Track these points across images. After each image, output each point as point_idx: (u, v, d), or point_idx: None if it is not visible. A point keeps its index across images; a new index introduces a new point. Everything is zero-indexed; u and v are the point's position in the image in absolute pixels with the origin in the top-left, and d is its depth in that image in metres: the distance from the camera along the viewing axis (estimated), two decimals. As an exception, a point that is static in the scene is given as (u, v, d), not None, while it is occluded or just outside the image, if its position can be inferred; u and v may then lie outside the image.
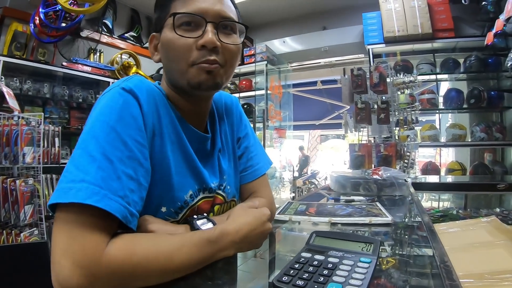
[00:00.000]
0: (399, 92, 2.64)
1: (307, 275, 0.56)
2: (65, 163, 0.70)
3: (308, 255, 0.64)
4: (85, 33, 4.68)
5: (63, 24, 4.10)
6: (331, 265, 0.59)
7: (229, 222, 0.78)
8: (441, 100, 4.40)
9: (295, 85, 7.55)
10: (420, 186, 2.40)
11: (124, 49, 5.30)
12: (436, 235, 0.89)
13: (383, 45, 4.49)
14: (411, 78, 2.53)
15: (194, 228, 0.78)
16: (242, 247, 0.77)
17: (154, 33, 0.92)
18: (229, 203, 1.04)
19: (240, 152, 1.13)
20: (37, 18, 3.92)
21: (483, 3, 3.47)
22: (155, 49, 0.93)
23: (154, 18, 0.94)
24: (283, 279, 0.56)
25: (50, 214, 3.17)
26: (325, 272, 0.57)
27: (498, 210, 2.52)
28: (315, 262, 0.61)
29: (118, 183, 0.66)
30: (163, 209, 0.83)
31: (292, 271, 0.58)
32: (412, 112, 2.60)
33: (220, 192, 1.00)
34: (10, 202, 2.87)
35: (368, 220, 1.06)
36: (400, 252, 0.85)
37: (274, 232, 1.08)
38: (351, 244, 0.67)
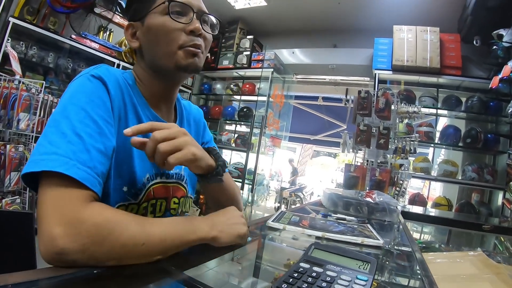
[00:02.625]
0: (398, 120, 2.67)
1: (306, 285, 0.57)
2: None
3: (307, 266, 0.64)
4: (98, 9, 4.66)
5: (79, -3, 4.08)
6: (330, 278, 0.60)
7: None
8: (437, 134, 4.44)
9: (297, 97, 7.59)
10: (407, 215, 2.42)
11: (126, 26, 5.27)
12: (425, 264, 0.90)
13: (390, 72, 4.55)
14: (415, 109, 2.56)
15: (214, 152, 0.98)
16: (218, 228, 0.82)
17: (131, 22, 1.02)
18: (189, 198, 1.12)
19: None
20: (54, -14, 3.90)
21: (494, 47, 3.52)
22: (132, 37, 1.02)
23: (132, 9, 1.02)
24: (282, 286, 0.56)
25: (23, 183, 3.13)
26: (324, 284, 0.57)
27: (479, 250, 2.53)
28: (314, 274, 0.61)
29: (87, 155, 0.73)
30: (125, 189, 0.89)
31: (291, 280, 0.58)
32: (412, 142, 2.62)
33: (182, 183, 1.07)
34: (-3, 166, 2.84)
35: (360, 240, 1.06)
36: (389, 279, 0.86)
37: (265, 237, 1.08)
38: (349, 260, 0.67)
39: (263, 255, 1.03)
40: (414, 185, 6.10)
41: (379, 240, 1.08)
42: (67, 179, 0.68)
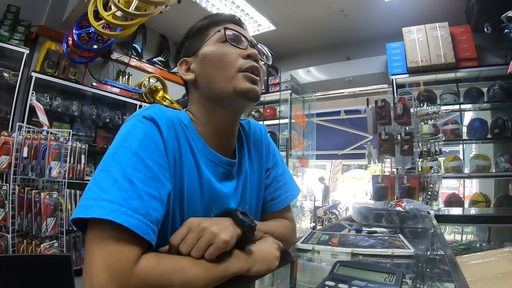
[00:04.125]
0: (422, 123, 2.63)
1: (332, 303, 0.57)
2: (89, 180, 0.75)
3: (332, 283, 0.65)
4: (115, 55, 4.86)
5: (95, 46, 4.28)
6: (355, 294, 0.60)
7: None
8: (465, 130, 4.32)
9: (318, 115, 7.54)
10: (443, 219, 2.36)
11: (152, 73, 5.46)
12: (458, 268, 0.89)
13: (407, 75, 4.49)
14: (435, 109, 2.53)
15: (237, 218, 0.82)
16: (252, 262, 0.82)
17: (185, 58, 1.01)
18: None
19: (269, 182, 1.15)
20: (70, 39, 4.11)
21: (506, 31, 3.43)
22: (187, 71, 1.01)
23: (186, 45, 1.03)
24: (308, 305, 0.57)
25: (71, 228, 3.24)
26: (349, 301, 0.58)
27: None
28: (339, 291, 0.62)
29: (139, 202, 0.70)
30: None
31: (316, 299, 0.59)
32: (436, 143, 2.58)
33: None
34: (33, 213, 2.94)
35: (390, 252, 1.05)
36: (422, 286, 0.85)
37: (294, 260, 1.08)
38: (374, 274, 0.67)
39: (301, 277, 1.02)
40: (449, 185, 5.94)
41: (410, 249, 1.06)
42: (117, 227, 0.66)
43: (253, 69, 0.94)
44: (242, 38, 0.97)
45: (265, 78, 5.53)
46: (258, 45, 1.03)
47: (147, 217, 0.71)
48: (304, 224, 6.84)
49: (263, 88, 5.16)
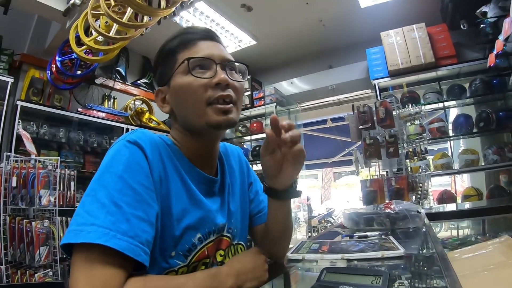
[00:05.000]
0: (408, 124, 2.66)
1: (319, 310, 0.58)
2: None
3: (320, 290, 0.66)
4: (99, 80, 4.85)
5: (79, 72, 4.27)
6: (342, 299, 0.61)
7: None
8: (451, 127, 4.38)
9: (305, 125, 7.57)
10: (435, 216, 2.37)
11: (137, 95, 5.47)
12: (449, 263, 0.90)
13: (389, 78, 4.55)
14: (417, 110, 2.56)
15: None
16: (241, 278, 0.85)
17: (160, 88, 1.01)
18: (235, 246, 1.07)
19: (253, 196, 1.20)
20: (54, 66, 4.10)
21: (481, 26, 3.49)
22: (163, 102, 1.01)
23: (158, 74, 1.02)
24: (295, 314, 0.58)
25: (65, 256, 3.20)
26: (336, 306, 0.59)
27: (506, 235, 2.42)
28: (326, 297, 0.63)
29: (127, 225, 0.72)
30: (173, 254, 0.86)
31: (304, 306, 0.60)
32: (421, 143, 2.61)
33: (227, 234, 1.03)
34: (25, 243, 2.91)
35: (380, 254, 1.06)
36: (417, 285, 0.86)
37: (288, 271, 1.09)
38: (361, 278, 0.69)
39: (296, 286, 1.03)
40: (442, 182, 5.98)
41: (399, 250, 1.08)
42: (105, 251, 0.67)
43: (223, 98, 0.92)
44: (210, 63, 0.94)
45: (245, 93, 5.55)
46: (230, 63, 0.98)
47: (137, 239, 0.72)
48: (300, 235, 6.82)
49: (247, 103, 5.18)
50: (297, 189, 1.02)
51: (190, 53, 0.94)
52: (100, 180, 0.77)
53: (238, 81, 0.98)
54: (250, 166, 1.28)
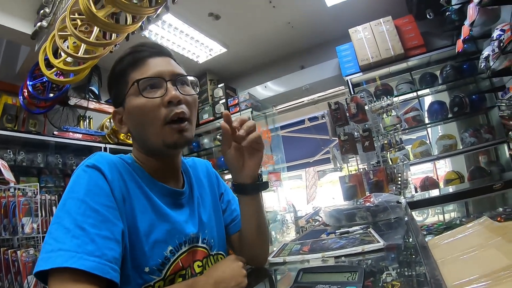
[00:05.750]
0: (384, 116, 2.70)
1: (296, 311, 0.60)
2: None
3: (296, 292, 0.67)
4: (73, 101, 4.77)
5: (51, 95, 4.20)
6: (318, 298, 0.63)
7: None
8: (426, 115, 4.45)
9: (283, 127, 7.55)
10: (417, 204, 2.40)
11: (112, 113, 5.36)
12: (428, 251, 0.92)
13: (360, 73, 4.60)
14: (388, 102, 2.60)
15: None
16: (220, 287, 0.86)
17: (115, 109, 1.03)
18: (215, 256, 1.08)
19: (225, 206, 1.22)
20: (25, 90, 4.02)
21: (447, 13, 3.56)
22: (120, 123, 1.03)
23: (113, 95, 1.04)
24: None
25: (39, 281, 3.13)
26: (313, 306, 0.60)
27: (501, 209, 2.42)
28: (303, 299, 0.64)
29: (93, 245, 0.74)
30: (146, 269, 0.87)
31: (281, 310, 0.61)
32: (395, 134, 2.65)
33: (202, 245, 1.04)
34: (12, 273, 2.84)
35: (360, 249, 1.08)
36: (399, 275, 0.87)
37: (271, 275, 1.10)
38: (337, 275, 0.70)
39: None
40: (424, 169, 6.06)
41: (380, 242, 1.10)
42: (76, 273, 0.69)
43: (178, 115, 0.94)
44: (160, 82, 0.95)
45: (220, 102, 5.64)
46: (182, 78, 1.00)
47: (104, 258, 0.74)
48: (289, 237, 6.82)
49: (222, 111, 5.16)
50: (264, 181, 1.06)
51: (140, 73, 0.95)
52: (63, 207, 0.79)
53: (190, 94, 1.00)
54: (221, 177, 1.31)
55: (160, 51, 1.01)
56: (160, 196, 0.97)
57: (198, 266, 1.01)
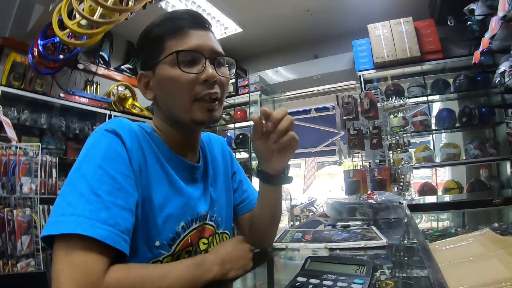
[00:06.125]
0: (392, 116, 2.69)
1: (303, 298, 0.59)
2: None
3: (303, 279, 0.66)
4: (82, 65, 4.75)
5: (61, 56, 4.18)
6: (326, 287, 0.62)
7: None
8: (433, 120, 4.45)
9: (289, 114, 7.57)
10: (416, 208, 2.41)
11: (120, 81, 5.39)
12: (430, 254, 0.91)
13: (374, 70, 4.59)
14: (401, 102, 2.59)
15: None
16: (226, 267, 0.85)
17: (143, 72, 0.97)
18: (220, 235, 1.07)
19: (236, 185, 1.20)
20: (36, 50, 4.00)
21: (468, 23, 3.53)
22: (146, 87, 0.97)
23: (142, 56, 0.98)
24: (279, 302, 0.58)
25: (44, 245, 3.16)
26: (320, 295, 0.59)
27: (496, 225, 2.46)
28: (310, 286, 0.63)
29: (107, 213, 0.71)
30: (157, 243, 0.86)
31: (288, 295, 0.60)
32: (404, 135, 2.64)
33: (210, 222, 1.03)
34: (7, 232, 2.85)
35: (363, 244, 1.08)
36: (399, 274, 0.87)
37: (272, 259, 1.10)
38: (345, 267, 0.69)
39: (279, 275, 1.04)
40: (423, 175, 6.06)
41: (382, 240, 1.09)
42: (86, 241, 0.66)
43: (210, 95, 0.91)
44: (199, 57, 0.91)
45: (229, 86, 5.53)
46: (221, 58, 0.96)
47: (117, 227, 0.71)
48: (282, 224, 6.87)
49: (231, 91, 5.14)
50: (289, 175, 1.04)
51: (179, 42, 0.90)
52: (78, 170, 0.76)
53: (226, 76, 0.96)
54: (234, 155, 1.29)
55: (202, 23, 0.95)
56: (176, 170, 0.95)
57: (204, 244, 1.00)
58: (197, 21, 0.94)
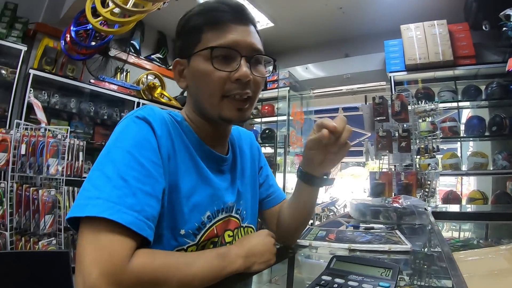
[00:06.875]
0: (420, 120, 2.64)
1: (328, 297, 0.57)
2: (87, 177, 0.76)
3: (329, 278, 0.65)
4: (113, 52, 4.84)
5: (93, 43, 4.26)
6: (351, 288, 0.60)
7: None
8: (462, 127, 4.34)
9: (316, 112, 7.47)
10: (440, 215, 2.36)
11: (150, 70, 5.46)
12: (455, 264, 0.89)
13: (405, 72, 4.49)
14: (432, 106, 2.53)
15: None
16: (250, 260, 0.85)
17: (179, 59, 0.96)
18: (245, 228, 1.07)
19: (262, 180, 1.20)
20: (68, 36, 4.10)
21: (504, 29, 3.43)
22: (180, 75, 0.97)
23: (179, 44, 0.96)
24: (304, 300, 0.57)
25: (69, 226, 3.21)
26: (345, 295, 0.58)
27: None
28: (335, 285, 0.62)
29: (134, 199, 0.71)
30: (182, 232, 0.85)
31: (312, 293, 0.59)
32: (433, 140, 2.59)
33: (235, 215, 1.02)
34: (31, 211, 2.94)
35: (387, 248, 1.06)
36: (419, 283, 0.85)
37: (292, 256, 1.09)
38: (371, 269, 0.68)
39: (299, 273, 1.03)
40: (447, 182, 5.94)
41: (406, 245, 1.07)
42: (112, 225, 0.66)
43: (241, 95, 0.89)
44: (235, 54, 0.88)
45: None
46: (258, 56, 0.93)
47: (142, 214, 0.71)
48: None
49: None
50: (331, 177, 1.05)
51: (217, 35, 0.87)
52: (108, 155, 0.76)
53: (261, 76, 0.93)
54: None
55: (243, 17, 0.91)
56: (205, 160, 0.94)
57: (229, 236, 0.99)
58: (238, 15, 0.90)
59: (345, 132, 0.89)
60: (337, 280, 0.64)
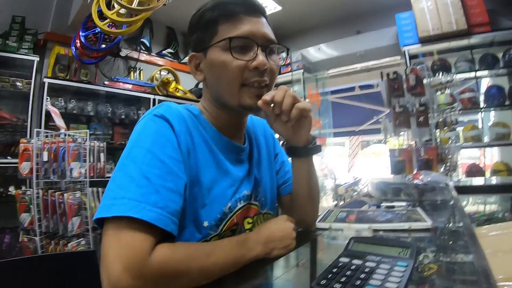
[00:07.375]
0: (439, 93, 2.58)
1: (345, 278, 0.58)
2: (110, 177, 0.79)
3: (346, 259, 0.65)
4: (124, 52, 4.88)
5: (103, 45, 4.29)
6: (368, 269, 0.61)
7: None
8: (482, 98, 4.20)
9: (333, 92, 7.39)
10: (463, 190, 2.30)
11: (162, 65, 5.49)
12: (476, 239, 0.87)
13: (419, 45, 4.36)
14: (448, 78, 2.47)
15: None
16: (269, 246, 0.87)
17: (194, 53, 0.99)
18: (264, 215, 1.08)
19: (279, 166, 1.22)
20: (78, 41, 4.14)
21: None
22: (196, 68, 1.00)
23: (194, 38, 0.99)
24: (321, 282, 0.57)
25: (96, 225, 3.27)
26: (362, 275, 0.58)
27: None
28: (353, 267, 0.62)
29: (157, 196, 0.74)
30: (205, 224, 0.88)
31: (330, 275, 0.59)
32: (452, 113, 2.53)
33: (254, 202, 1.04)
34: (58, 214, 3.00)
35: (407, 226, 1.05)
36: (442, 259, 0.84)
37: (315, 238, 1.09)
38: (389, 249, 0.68)
39: (321, 255, 1.03)
40: (471, 155, 5.83)
41: (426, 222, 1.06)
42: (137, 223, 0.69)
43: (259, 82, 0.93)
44: (251, 44, 0.92)
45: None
46: (272, 46, 0.98)
47: (166, 209, 0.74)
48: (326, 203, 6.81)
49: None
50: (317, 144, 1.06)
51: (232, 27, 0.91)
52: (129, 155, 0.80)
53: (277, 64, 0.99)
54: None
55: (255, 9, 0.96)
56: (223, 151, 0.97)
57: (248, 223, 1.01)
58: (251, 7, 0.95)
59: (286, 98, 0.92)
60: (355, 261, 0.64)
